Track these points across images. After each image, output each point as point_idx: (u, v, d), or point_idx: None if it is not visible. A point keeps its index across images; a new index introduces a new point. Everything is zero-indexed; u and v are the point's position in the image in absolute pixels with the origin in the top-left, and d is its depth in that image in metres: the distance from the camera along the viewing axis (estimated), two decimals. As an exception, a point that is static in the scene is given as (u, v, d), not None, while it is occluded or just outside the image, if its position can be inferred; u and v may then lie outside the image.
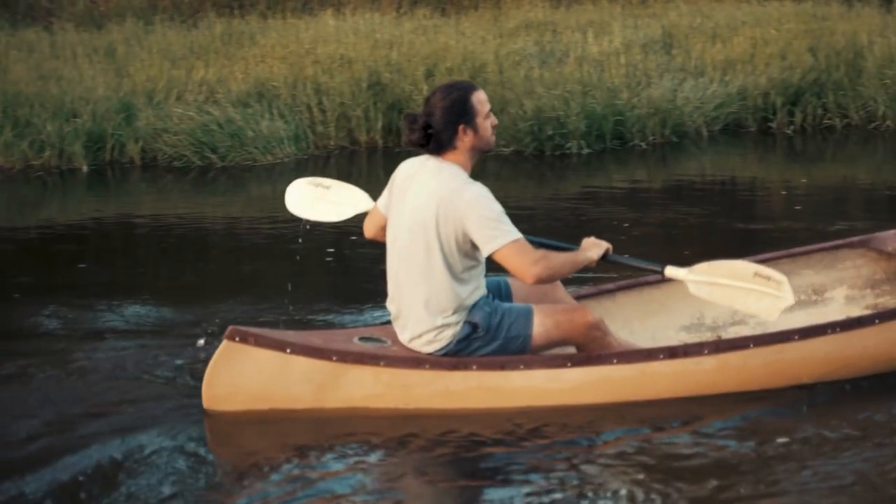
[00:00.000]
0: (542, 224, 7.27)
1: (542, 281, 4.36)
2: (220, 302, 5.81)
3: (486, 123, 4.46)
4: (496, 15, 14.20)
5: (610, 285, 5.15)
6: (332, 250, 6.75)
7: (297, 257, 6.43)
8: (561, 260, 4.42)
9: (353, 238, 6.93)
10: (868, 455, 3.87)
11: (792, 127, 10.67)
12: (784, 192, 8.37)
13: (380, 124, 10.06)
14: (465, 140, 4.41)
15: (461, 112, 4.40)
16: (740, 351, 4.70)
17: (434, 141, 4.41)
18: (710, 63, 11.30)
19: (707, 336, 5.14)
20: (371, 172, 9.45)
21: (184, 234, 7.45)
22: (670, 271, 4.47)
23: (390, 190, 4.61)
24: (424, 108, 4.44)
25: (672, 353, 4.65)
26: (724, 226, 7.26)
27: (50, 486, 3.81)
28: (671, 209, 7.69)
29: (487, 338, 4.52)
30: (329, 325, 5.42)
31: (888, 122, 10.70)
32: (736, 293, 4.33)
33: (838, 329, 4.81)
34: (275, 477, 3.94)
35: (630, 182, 8.68)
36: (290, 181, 5.16)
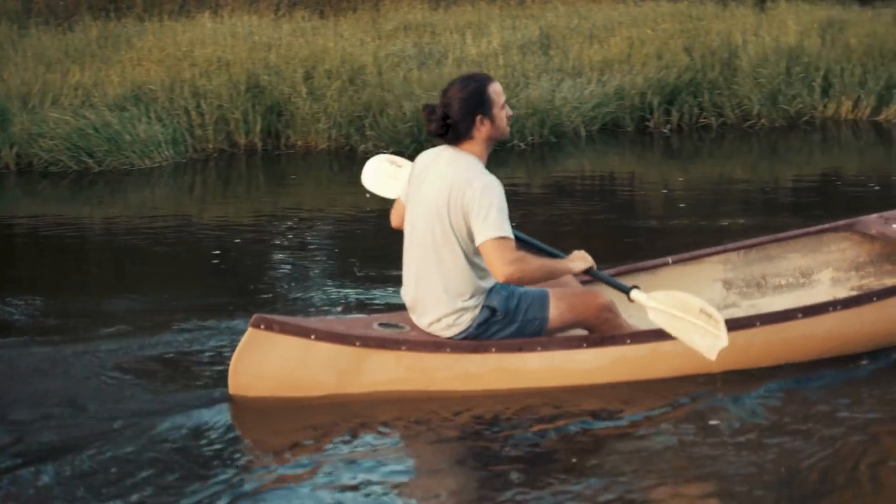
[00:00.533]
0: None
1: (512, 282, 4.54)
2: (99, 300, 5.87)
3: (502, 114, 4.65)
4: (375, 17, 14.33)
5: (609, 270, 5.39)
6: (217, 252, 6.82)
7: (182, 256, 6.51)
8: (537, 265, 4.58)
9: (237, 240, 7.04)
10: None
11: (669, 126, 10.99)
12: (664, 191, 8.65)
13: (258, 127, 10.12)
14: (482, 130, 4.61)
15: (479, 103, 4.60)
16: (746, 329, 4.90)
17: (452, 131, 4.62)
18: (588, 63, 11.56)
19: None
20: (251, 175, 9.51)
21: (61, 237, 7.45)
22: (635, 294, 4.67)
23: (409, 180, 4.82)
24: (442, 100, 4.62)
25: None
26: (604, 223, 7.48)
27: (78, 471, 3.97)
28: (552, 208, 7.90)
29: (506, 321, 4.73)
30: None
31: (763, 121, 11.10)
32: (685, 326, 4.51)
33: (839, 307, 5.04)
34: (300, 461, 4.11)
35: (510, 182, 8.84)
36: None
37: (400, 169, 5.28)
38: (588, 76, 11.25)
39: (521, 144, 10.15)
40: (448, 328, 4.73)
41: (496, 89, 4.66)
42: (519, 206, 7.98)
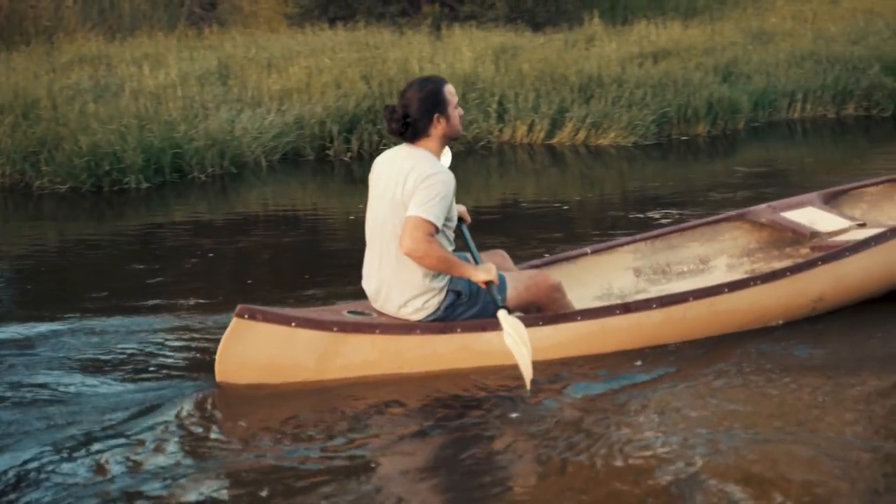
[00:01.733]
0: (107, 261, 7.47)
1: (411, 257, 5.06)
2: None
3: (455, 113, 5.25)
4: (48, 49, 14.14)
5: (536, 261, 5.99)
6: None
7: None
8: (441, 255, 5.06)
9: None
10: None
11: (349, 154, 11.37)
12: (351, 217, 8.83)
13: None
14: (438, 128, 5.20)
15: (436, 102, 5.19)
16: (681, 304, 5.57)
17: (411, 129, 5.20)
18: (267, 93, 11.84)
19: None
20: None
21: None
22: (501, 315, 5.05)
23: (371, 181, 5.37)
24: (401, 101, 5.20)
25: (626, 308, 5.50)
26: (290, 252, 7.69)
27: (70, 455, 4.33)
28: (237, 240, 8.04)
29: (470, 303, 5.27)
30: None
31: (440, 146, 11.64)
32: (521, 351, 4.92)
33: (759, 281, 5.73)
34: (284, 441, 4.51)
35: (191, 214, 8.92)
36: None
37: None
38: (268, 106, 11.51)
39: (202, 176, 10.28)
40: (417, 311, 5.25)
41: (450, 90, 5.26)
42: (202, 238, 8.13)
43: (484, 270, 5.12)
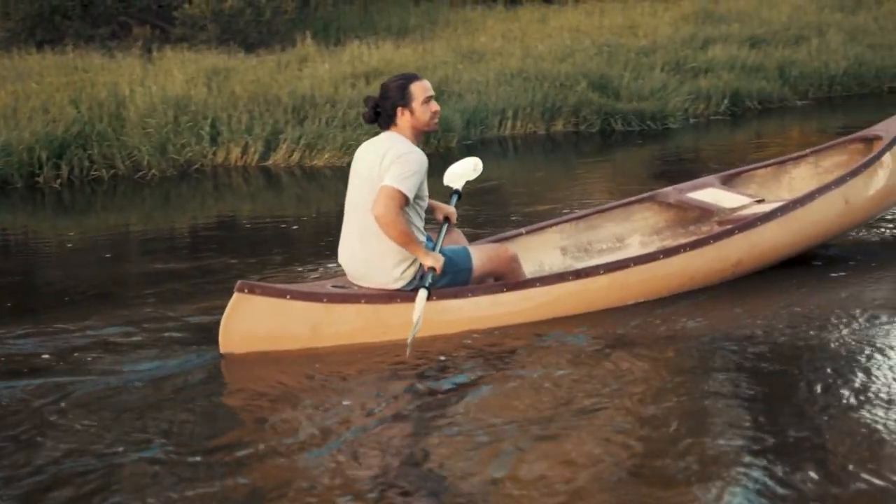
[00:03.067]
0: None
1: (379, 222, 5.83)
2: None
3: (423, 108, 6.01)
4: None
5: (479, 241, 6.90)
6: None
7: None
8: (405, 230, 5.85)
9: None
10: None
11: (59, 181, 11.38)
12: (69, 245, 8.93)
13: None
14: (403, 119, 6.01)
15: (401, 96, 5.99)
16: (624, 269, 6.58)
17: (381, 117, 6.06)
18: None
19: None
20: None
21: None
22: (421, 293, 5.91)
23: (353, 164, 6.15)
24: (379, 92, 6.07)
25: (577, 274, 6.48)
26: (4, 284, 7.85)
27: (81, 424, 4.95)
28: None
29: (441, 273, 6.04)
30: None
31: (154, 171, 11.77)
32: (416, 324, 5.77)
33: (688, 248, 6.79)
34: (282, 406, 5.18)
35: None
36: None
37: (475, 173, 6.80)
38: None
39: None
40: (395, 281, 6.04)
41: (420, 87, 6.02)
42: None
43: (433, 258, 5.97)
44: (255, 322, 5.93)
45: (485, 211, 9.55)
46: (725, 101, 15.22)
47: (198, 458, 4.58)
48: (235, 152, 12.15)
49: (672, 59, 16.08)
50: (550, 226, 7.54)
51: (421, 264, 5.99)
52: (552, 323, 6.24)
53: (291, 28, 18.95)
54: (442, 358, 5.76)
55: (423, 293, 5.88)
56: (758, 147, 12.96)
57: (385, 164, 5.87)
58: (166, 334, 6.27)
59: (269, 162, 12.18)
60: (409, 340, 5.75)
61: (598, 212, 7.74)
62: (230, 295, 5.86)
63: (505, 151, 13.27)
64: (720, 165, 11.33)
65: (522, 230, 7.38)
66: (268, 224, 9.65)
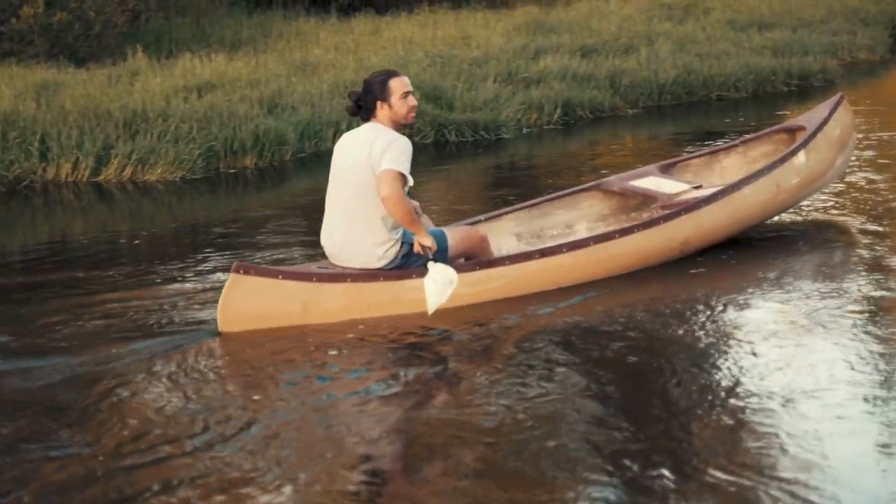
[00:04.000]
0: None
1: (387, 204, 6.55)
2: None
3: (401, 102, 6.71)
4: None
5: (452, 224, 7.75)
6: None
7: None
8: (409, 209, 6.61)
9: None
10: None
11: None
12: None
13: None
14: (382, 112, 6.74)
15: (381, 90, 6.72)
16: (584, 248, 7.37)
17: (362, 110, 6.80)
18: None
19: None
20: None
21: None
22: (431, 264, 6.66)
23: (335, 152, 6.90)
24: (362, 87, 6.82)
25: (542, 252, 7.24)
26: None
27: (84, 403, 5.58)
28: None
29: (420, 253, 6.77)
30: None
31: (-19, 188, 11.71)
32: (434, 289, 6.60)
33: (641, 228, 7.60)
34: (279, 377, 5.96)
35: None
36: None
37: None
38: None
39: None
40: (379, 259, 6.78)
41: (400, 82, 6.74)
42: None
43: (430, 240, 6.74)
44: (249, 301, 6.55)
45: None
46: (558, 111, 15.61)
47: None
48: (66, 168, 12.12)
49: (505, 70, 16.45)
50: (506, 213, 8.35)
51: (404, 243, 6.81)
52: (510, 301, 7.11)
53: (122, 42, 18.88)
54: (419, 331, 6.61)
55: (433, 265, 6.67)
56: (592, 156, 13.43)
57: (376, 150, 6.59)
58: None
59: (101, 177, 12.16)
60: (434, 302, 6.62)
61: (548, 200, 8.57)
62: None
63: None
64: (555, 174, 11.77)
65: (481, 217, 8.19)
66: (101, 240, 9.71)
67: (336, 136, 13.89)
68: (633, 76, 17.01)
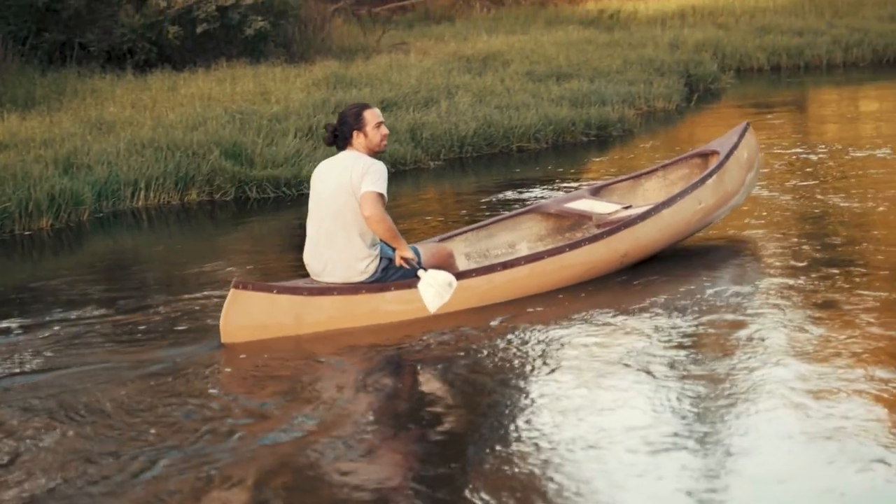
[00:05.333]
0: None
1: (371, 220, 7.62)
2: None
3: (374, 132, 7.84)
4: None
5: (421, 242, 8.69)
6: None
7: None
8: (391, 226, 7.68)
9: None
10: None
11: None
12: None
13: None
14: (358, 140, 7.85)
15: (356, 121, 7.86)
16: (539, 261, 8.49)
17: (339, 139, 7.89)
18: None
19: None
20: None
21: None
22: (421, 273, 7.80)
23: (314, 179, 7.97)
24: (337, 119, 7.92)
25: (504, 265, 8.37)
26: None
27: (92, 403, 6.58)
28: None
29: (397, 267, 7.86)
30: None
31: None
32: (430, 291, 7.74)
33: (587, 242, 8.69)
34: (275, 383, 7.01)
35: None
36: None
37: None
38: None
39: None
40: (361, 274, 7.80)
41: (373, 114, 7.85)
42: None
43: (411, 252, 7.81)
44: (248, 314, 7.49)
45: (113, 283, 9.83)
46: (360, 165, 15.75)
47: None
48: None
49: (305, 125, 16.62)
50: (457, 235, 9.46)
51: (383, 258, 7.83)
52: (480, 309, 8.32)
53: None
54: (399, 338, 7.72)
55: (423, 272, 7.76)
56: (393, 206, 13.71)
57: (356, 174, 7.64)
58: None
59: None
60: (436, 302, 7.76)
61: (493, 222, 9.73)
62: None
63: (139, 223, 13.44)
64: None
65: (436, 238, 9.28)
66: None
67: (135, 196, 13.94)
68: (434, 129, 17.31)
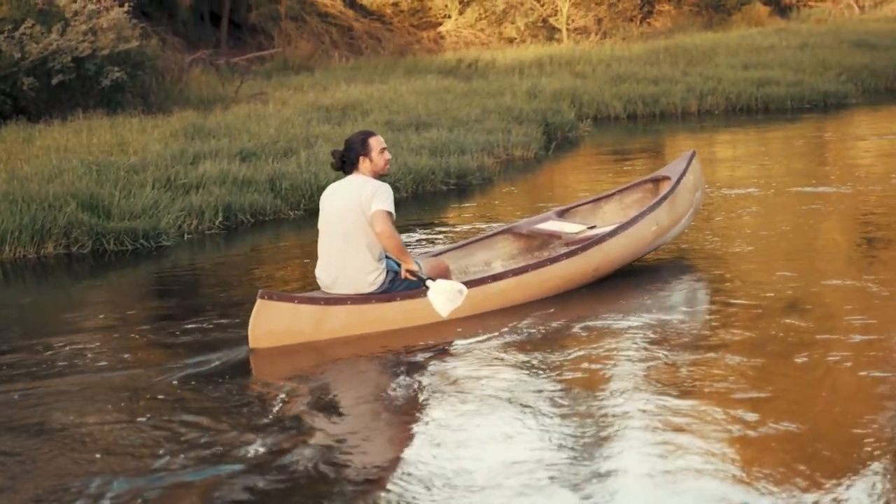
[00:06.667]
0: None
1: (382, 235, 8.73)
2: None
3: (379, 157, 8.99)
4: None
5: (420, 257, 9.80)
6: None
7: None
8: (400, 242, 8.77)
9: None
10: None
11: None
12: None
13: None
14: (364, 165, 9.00)
15: (362, 147, 9.00)
16: (525, 273, 9.66)
17: (346, 164, 9.03)
18: None
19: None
20: None
21: None
22: (429, 283, 8.94)
23: (323, 202, 9.06)
24: (344, 146, 9.03)
25: (494, 277, 9.50)
26: None
27: (121, 408, 7.47)
28: None
29: (402, 279, 8.95)
30: None
31: None
32: (440, 298, 8.84)
33: (565, 256, 9.91)
34: (300, 383, 8.18)
35: None
36: None
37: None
38: None
39: None
40: (370, 285, 8.91)
41: (377, 140, 8.98)
42: None
43: (416, 264, 8.87)
44: (273, 322, 8.56)
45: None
46: (219, 216, 15.90)
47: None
48: None
49: (163, 176, 16.63)
50: (441, 254, 10.37)
51: (389, 271, 8.89)
52: (478, 318, 9.46)
53: None
54: (406, 344, 8.81)
55: (431, 282, 8.88)
56: (255, 262, 13.85)
57: (365, 195, 8.71)
58: None
59: None
60: (447, 308, 8.85)
61: (470, 242, 10.92)
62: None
63: (-4, 278, 13.29)
64: (214, 280, 12.12)
65: (429, 251, 10.47)
66: None
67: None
68: (294, 179, 17.42)
